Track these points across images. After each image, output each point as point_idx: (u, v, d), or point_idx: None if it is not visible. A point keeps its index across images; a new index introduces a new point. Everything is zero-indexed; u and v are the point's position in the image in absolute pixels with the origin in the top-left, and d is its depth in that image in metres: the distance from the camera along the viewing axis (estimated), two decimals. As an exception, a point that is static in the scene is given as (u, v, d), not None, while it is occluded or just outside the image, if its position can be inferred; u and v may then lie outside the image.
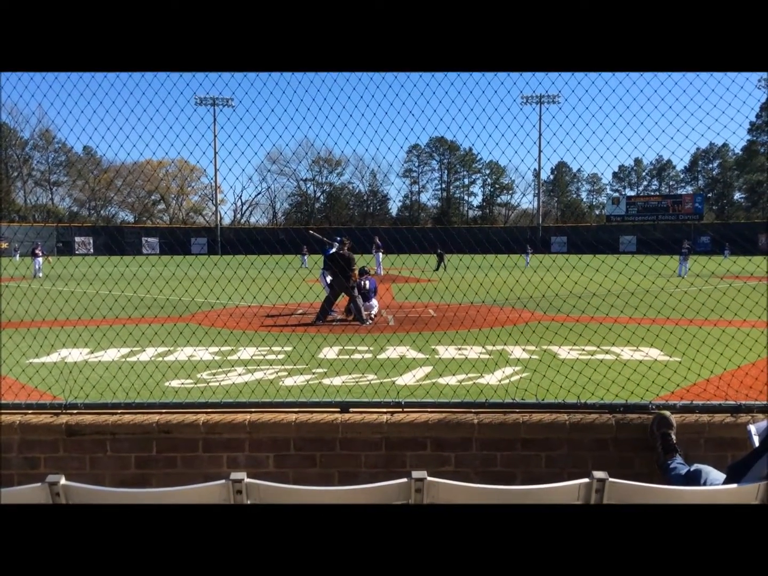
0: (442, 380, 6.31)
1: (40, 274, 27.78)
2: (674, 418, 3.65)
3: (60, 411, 3.92)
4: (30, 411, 3.93)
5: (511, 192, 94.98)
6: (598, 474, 2.41)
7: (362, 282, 12.41)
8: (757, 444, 3.18)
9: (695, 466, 3.12)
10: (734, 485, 2.60)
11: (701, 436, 3.72)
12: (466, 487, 2.49)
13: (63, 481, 2.36)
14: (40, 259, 28.94)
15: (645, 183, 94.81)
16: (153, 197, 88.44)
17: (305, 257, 33.25)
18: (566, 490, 2.46)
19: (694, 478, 3.04)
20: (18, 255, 40.85)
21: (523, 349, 8.28)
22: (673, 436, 3.54)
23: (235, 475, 2.38)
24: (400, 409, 3.89)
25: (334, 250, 12.60)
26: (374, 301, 12.59)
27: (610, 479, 2.40)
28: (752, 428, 3.26)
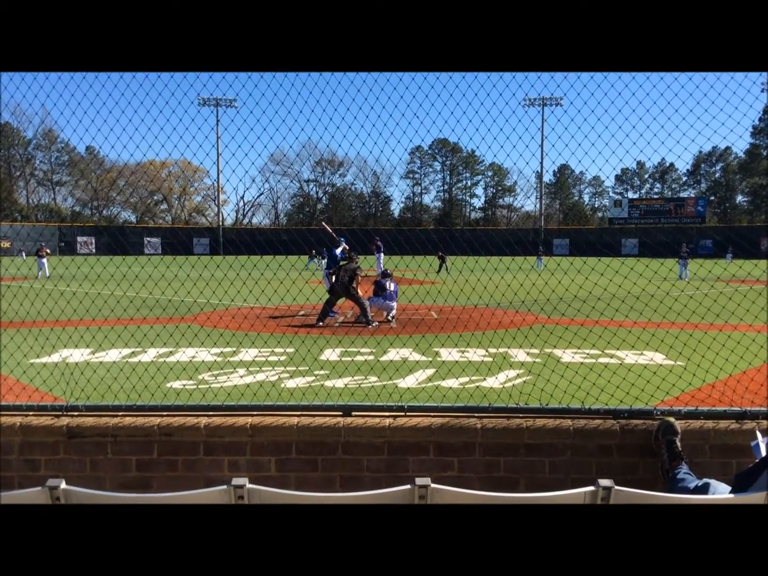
0: (444, 383, 6.28)
1: (47, 274, 27.80)
2: (679, 425, 3.62)
3: (61, 413, 3.90)
4: (31, 413, 3.91)
5: (513, 194, 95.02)
6: (604, 482, 2.38)
7: (387, 283, 12.87)
8: (763, 452, 3.14)
9: (704, 480, 3.07)
10: (741, 494, 2.57)
11: (706, 442, 3.68)
12: (470, 495, 2.45)
13: (63, 485, 2.34)
14: (45, 260, 28.83)
15: (648, 186, 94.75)
16: (155, 197, 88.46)
17: (314, 260, 32.86)
18: (571, 497, 2.42)
19: (702, 493, 2.99)
20: (24, 254, 40.87)
21: (527, 353, 8.25)
22: (678, 443, 3.50)
23: (236, 481, 2.35)
24: (403, 413, 3.86)
25: (339, 249, 13.16)
26: (394, 303, 12.94)
27: (616, 487, 2.37)
28: (760, 436, 3.23)
